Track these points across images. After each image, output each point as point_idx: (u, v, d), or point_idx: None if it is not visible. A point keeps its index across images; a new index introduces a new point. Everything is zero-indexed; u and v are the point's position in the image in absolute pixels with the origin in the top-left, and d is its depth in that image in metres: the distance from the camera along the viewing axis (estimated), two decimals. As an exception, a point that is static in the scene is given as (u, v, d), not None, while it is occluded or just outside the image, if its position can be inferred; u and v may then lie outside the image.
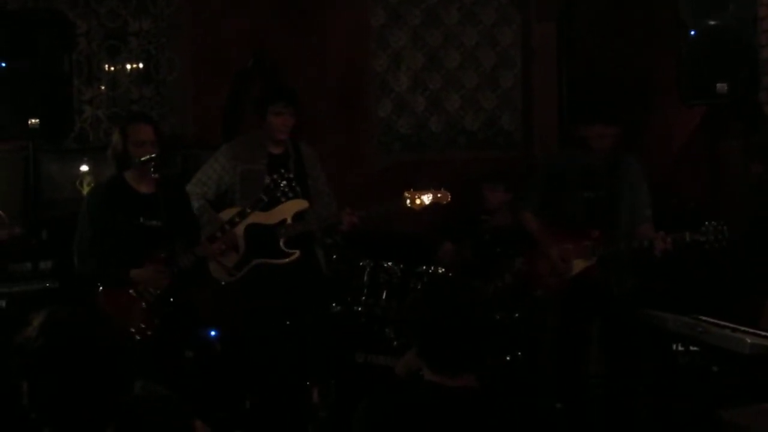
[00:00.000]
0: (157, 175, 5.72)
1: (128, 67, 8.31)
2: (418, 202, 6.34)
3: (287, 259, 6.39)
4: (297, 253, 6.39)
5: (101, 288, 5.78)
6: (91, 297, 5.77)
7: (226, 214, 6.27)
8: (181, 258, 5.85)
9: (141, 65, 8.33)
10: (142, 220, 5.83)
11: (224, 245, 6.20)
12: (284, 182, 6.12)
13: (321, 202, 6.59)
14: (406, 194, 6.35)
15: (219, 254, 6.15)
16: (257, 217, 6.32)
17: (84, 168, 7.76)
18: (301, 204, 6.44)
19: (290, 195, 6.36)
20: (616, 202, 6.41)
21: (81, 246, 5.89)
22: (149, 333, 5.74)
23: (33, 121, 6.77)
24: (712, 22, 6.90)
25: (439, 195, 6.37)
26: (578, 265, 6.45)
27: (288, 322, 6.50)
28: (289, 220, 6.40)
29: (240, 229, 6.28)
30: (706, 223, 5.96)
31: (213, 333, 7.17)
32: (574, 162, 6.52)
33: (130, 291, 5.78)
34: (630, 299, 6.46)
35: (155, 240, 5.81)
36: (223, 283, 6.46)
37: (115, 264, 5.77)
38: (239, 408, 6.66)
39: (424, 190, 6.36)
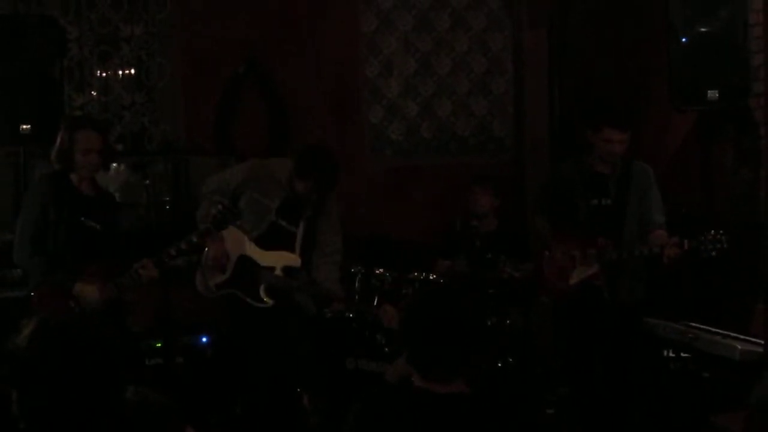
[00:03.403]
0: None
1: (120, 72, 8.30)
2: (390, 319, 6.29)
3: (259, 305, 6.29)
4: (270, 303, 6.27)
5: (40, 287, 5.70)
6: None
7: (231, 235, 6.26)
8: (124, 277, 5.77)
9: (133, 71, 8.33)
10: (83, 219, 5.80)
11: (215, 262, 6.22)
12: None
13: (322, 253, 6.48)
14: (386, 307, 6.30)
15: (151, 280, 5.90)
16: (252, 251, 6.29)
17: (75, 174, 7.76)
18: (293, 260, 6.34)
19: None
20: (622, 209, 6.33)
21: (23, 238, 5.81)
22: None
23: (24, 126, 6.77)
24: (703, 29, 6.91)
25: None
26: (581, 272, 6.40)
27: (277, 330, 6.44)
28: (277, 271, 6.32)
29: (234, 256, 6.26)
30: (706, 232, 5.94)
31: (204, 339, 7.17)
32: (584, 169, 6.46)
33: (69, 301, 5.66)
34: (639, 308, 6.42)
35: (94, 242, 5.79)
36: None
37: (64, 269, 5.70)
38: (230, 414, 6.66)
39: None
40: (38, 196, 5.78)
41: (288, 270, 6.32)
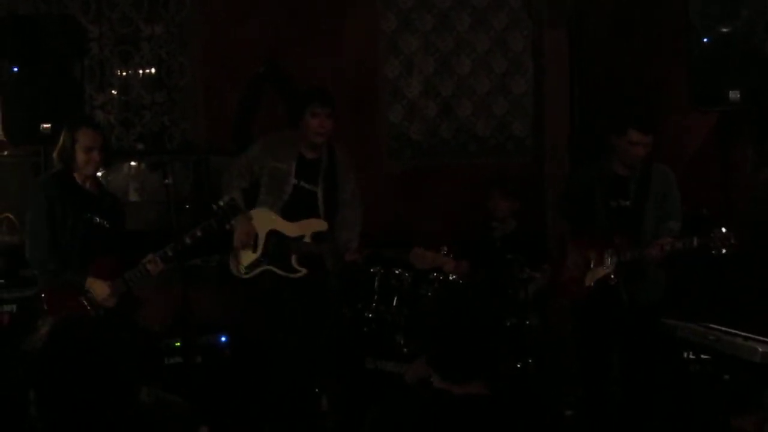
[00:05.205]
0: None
1: (140, 72, 8.33)
2: (421, 261, 6.28)
3: (293, 275, 6.38)
4: (303, 272, 6.37)
5: (48, 287, 5.78)
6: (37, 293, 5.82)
7: (258, 214, 6.37)
8: (132, 272, 5.85)
9: (153, 70, 8.35)
10: (89, 215, 5.86)
11: (244, 241, 6.31)
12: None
13: (345, 215, 6.55)
14: (416, 249, 6.29)
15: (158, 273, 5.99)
16: (280, 225, 6.36)
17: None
18: (320, 225, 6.41)
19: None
20: (641, 211, 6.30)
21: (37, 238, 5.84)
22: None
23: (45, 126, 6.80)
24: (724, 29, 6.88)
25: (444, 261, 6.29)
26: (597, 273, 6.37)
27: (299, 330, 6.45)
28: (306, 238, 6.39)
29: (263, 233, 6.35)
30: (715, 229, 5.91)
31: (223, 338, 7.18)
32: (604, 171, 6.42)
33: (81, 299, 5.77)
34: (657, 309, 6.38)
35: (102, 239, 5.85)
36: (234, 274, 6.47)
37: (73, 267, 5.78)
38: (248, 414, 6.66)
39: (433, 251, 6.28)
40: (43, 196, 5.84)
41: (317, 236, 6.40)
